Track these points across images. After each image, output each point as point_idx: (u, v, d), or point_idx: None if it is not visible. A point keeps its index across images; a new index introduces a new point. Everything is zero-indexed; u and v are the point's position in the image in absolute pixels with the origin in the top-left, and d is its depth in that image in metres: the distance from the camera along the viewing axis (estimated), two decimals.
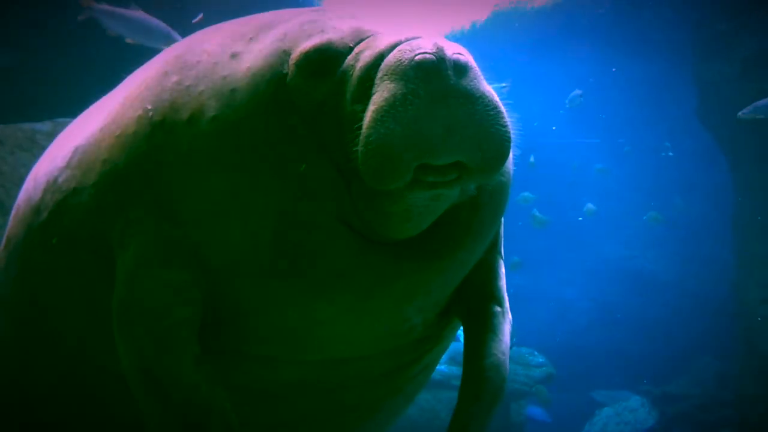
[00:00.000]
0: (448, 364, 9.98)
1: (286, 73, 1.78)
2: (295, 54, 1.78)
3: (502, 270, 2.32)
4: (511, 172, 2.15)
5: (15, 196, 2.46)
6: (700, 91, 12.80)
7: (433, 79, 1.60)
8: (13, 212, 2.36)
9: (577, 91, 13.92)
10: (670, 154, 16.66)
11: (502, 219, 2.32)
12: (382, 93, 1.62)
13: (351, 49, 1.76)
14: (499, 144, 1.69)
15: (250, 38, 1.90)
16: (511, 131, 1.77)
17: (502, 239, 2.37)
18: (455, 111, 1.61)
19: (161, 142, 1.86)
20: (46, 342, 2.23)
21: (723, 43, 12.10)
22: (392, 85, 1.61)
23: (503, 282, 2.31)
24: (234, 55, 1.87)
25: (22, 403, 2.39)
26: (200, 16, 8.73)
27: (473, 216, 1.98)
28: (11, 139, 7.12)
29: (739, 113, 9.85)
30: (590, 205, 14.53)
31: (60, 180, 2.10)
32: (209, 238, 1.84)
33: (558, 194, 16.02)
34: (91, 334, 2.10)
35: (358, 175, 1.69)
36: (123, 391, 1.94)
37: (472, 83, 1.65)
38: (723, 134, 12.34)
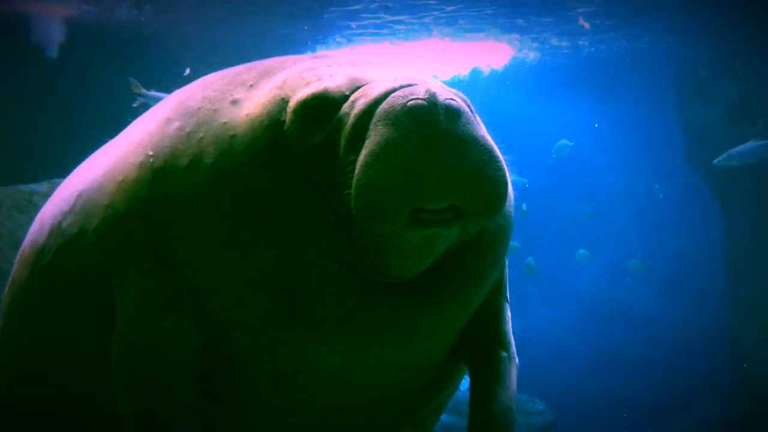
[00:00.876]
0: (448, 413, 9.94)
1: (284, 121, 1.81)
2: (293, 102, 1.81)
3: (508, 314, 2.30)
4: (512, 213, 2.15)
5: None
6: (686, 136, 13.07)
7: (424, 124, 1.61)
8: (18, 255, 2.40)
9: (565, 141, 14.19)
10: (660, 196, 16.85)
11: (506, 261, 2.30)
12: (374, 138, 1.64)
13: (347, 97, 1.78)
14: (493, 188, 1.68)
15: (251, 85, 1.94)
16: (507, 175, 1.77)
17: (507, 282, 2.35)
18: (447, 156, 1.61)
19: (161, 189, 1.89)
20: (45, 384, 2.25)
21: (706, 90, 12.42)
22: (384, 130, 1.63)
23: (509, 326, 2.29)
24: (234, 102, 1.90)
25: None
26: (188, 70, 9.03)
27: (474, 257, 1.97)
28: (8, 201, 7.23)
29: (715, 161, 10.06)
30: (582, 251, 14.66)
31: (64, 224, 2.13)
32: (207, 285, 1.86)
33: (549, 238, 16.15)
34: (87, 378, 2.12)
35: (353, 219, 1.71)
36: None
37: (464, 128, 1.65)
38: (712, 177, 12.55)
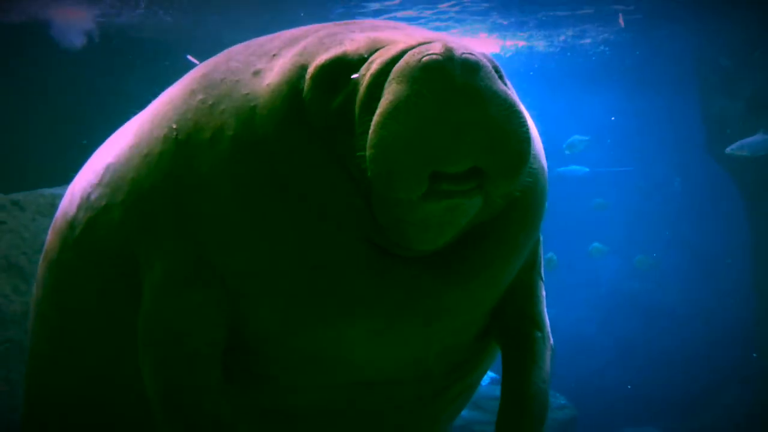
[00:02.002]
0: (468, 409, 9.97)
1: (303, 88, 1.77)
2: (311, 68, 1.77)
3: (543, 293, 2.23)
4: (545, 181, 2.07)
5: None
6: (707, 125, 12.93)
7: (438, 78, 1.53)
8: (52, 224, 2.41)
9: (578, 136, 14.11)
10: (677, 186, 16.68)
11: (540, 237, 2.23)
12: (387, 97, 1.58)
13: (365, 59, 1.72)
14: (517, 145, 1.59)
15: (273, 54, 1.90)
16: (531, 133, 1.67)
17: (542, 260, 2.28)
18: (464, 111, 1.53)
19: (184, 163, 1.87)
20: (74, 359, 2.27)
21: (726, 79, 12.27)
22: (397, 87, 1.57)
23: (543, 305, 2.21)
24: (256, 72, 1.87)
25: (57, 419, 2.42)
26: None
27: (502, 232, 1.91)
28: (32, 205, 7.35)
29: (727, 149, 10.27)
30: (597, 245, 14.60)
31: (93, 197, 2.14)
32: (229, 260, 1.85)
33: (569, 230, 16.09)
34: (115, 354, 2.13)
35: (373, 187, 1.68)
36: (146, 412, 1.95)
37: (482, 82, 1.56)
38: (733, 168, 12.42)
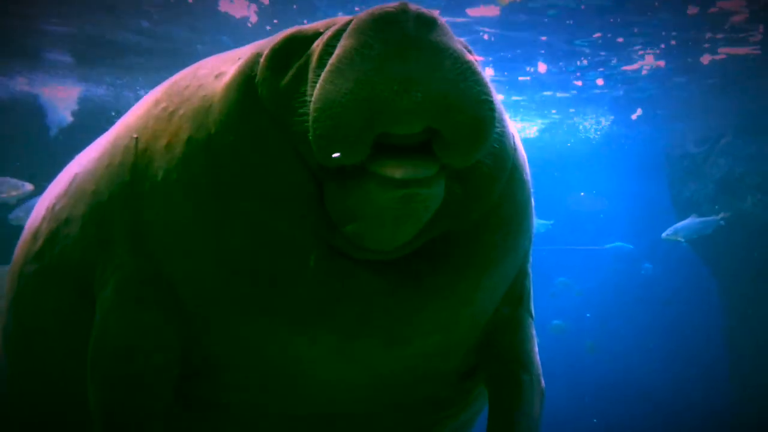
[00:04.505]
0: None
1: (255, 74, 1.66)
2: (265, 52, 1.67)
3: (532, 331, 2.03)
4: (526, 193, 1.90)
5: None
6: (677, 209, 13.39)
7: (389, 29, 1.39)
8: (21, 236, 2.35)
9: (541, 221, 14.56)
10: (648, 266, 16.99)
11: (529, 271, 2.05)
12: (336, 52, 1.45)
13: (320, 34, 1.61)
14: (474, 105, 1.41)
15: (239, 58, 1.80)
16: (494, 98, 1.48)
17: (531, 295, 2.08)
18: (414, 64, 1.38)
19: (141, 172, 1.79)
20: (33, 375, 2.20)
21: (695, 165, 12.82)
22: (346, 41, 1.43)
23: (533, 345, 2.02)
24: (218, 75, 1.78)
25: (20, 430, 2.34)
26: None
27: (476, 243, 1.75)
28: None
29: (663, 234, 10.84)
30: (557, 322, 14.77)
31: (57, 208, 2.08)
32: (180, 272, 1.74)
33: (539, 307, 16.22)
34: (73, 373, 2.01)
35: (327, 173, 1.53)
36: None
37: (437, 37, 1.42)
38: (705, 249, 12.79)
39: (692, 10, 7.59)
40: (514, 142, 1.85)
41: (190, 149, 1.71)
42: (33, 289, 2.12)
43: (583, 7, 7.43)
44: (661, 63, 9.88)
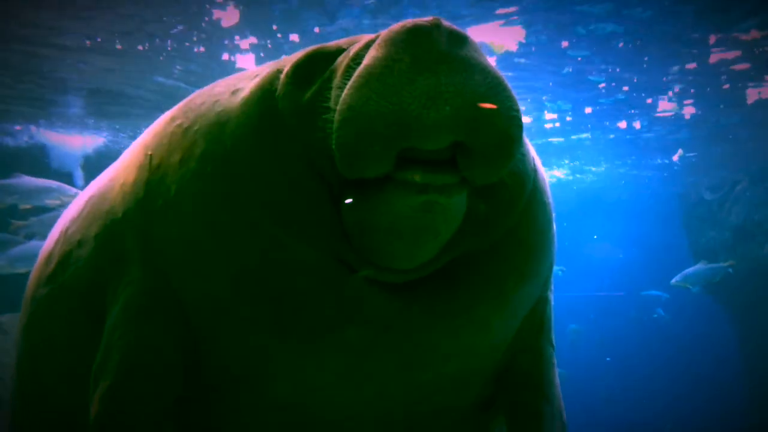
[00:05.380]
0: None
1: (275, 89, 1.64)
2: (287, 67, 1.64)
3: (553, 361, 1.96)
4: (548, 218, 1.84)
5: None
6: (695, 256, 13.28)
7: (421, 42, 1.37)
8: (36, 261, 2.33)
9: (573, 326, 14.75)
10: (661, 312, 16.80)
11: (550, 298, 1.99)
12: (363, 62, 1.41)
13: (344, 50, 1.58)
14: (504, 121, 1.38)
15: (256, 75, 1.78)
16: (521, 117, 1.44)
17: (552, 324, 2.00)
18: (444, 77, 1.34)
19: (155, 188, 1.76)
20: (42, 399, 2.15)
21: (711, 212, 12.77)
22: (376, 52, 1.40)
23: (554, 375, 1.94)
24: (235, 92, 1.76)
25: None
26: None
27: (496, 267, 1.70)
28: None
29: (672, 280, 10.85)
30: (574, 326, 14.66)
31: (70, 231, 2.06)
32: (191, 288, 1.70)
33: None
34: (75, 398, 1.94)
35: (346, 184, 1.48)
36: None
37: (468, 52, 1.39)
38: (721, 296, 12.65)
39: (712, 58, 7.62)
40: (534, 164, 1.82)
41: (205, 164, 1.68)
42: (44, 312, 2.08)
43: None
44: (691, 109, 9.90)
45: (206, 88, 1.92)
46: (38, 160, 11.62)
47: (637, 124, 10.90)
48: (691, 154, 12.22)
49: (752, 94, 9.13)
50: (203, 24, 6.58)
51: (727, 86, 8.74)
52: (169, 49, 7.30)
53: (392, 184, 1.39)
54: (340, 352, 1.63)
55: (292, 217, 1.58)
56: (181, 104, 1.93)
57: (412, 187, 1.37)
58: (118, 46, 7.21)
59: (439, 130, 1.33)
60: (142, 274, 1.76)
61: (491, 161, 1.39)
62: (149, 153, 1.84)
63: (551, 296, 2.02)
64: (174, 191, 1.71)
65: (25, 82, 8.79)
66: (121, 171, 1.95)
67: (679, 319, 17.02)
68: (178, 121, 1.82)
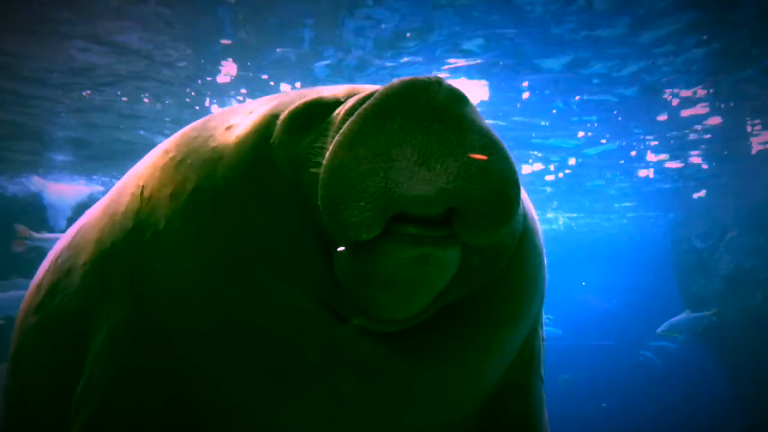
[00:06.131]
0: None
1: (271, 135, 1.62)
2: (284, 114, 1.63)
3: (542, 395, 1.94)
4: (539, 260, 1.81)
5: None
6: (686, 304, 13.27)
7: (417, 98, 1.32)
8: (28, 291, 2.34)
9: (565, 376, 14.76)
10: (646, 353, 16.71)
11: (541, 332, 1.96)
12: (355, 115, 1.36)
13: (341, 102, 1.56)
14: (500, 184, 1.34)
15: (251, 111, 1.77)
16: (517, 178, 1.39)
17: (541, 358, 1.97)
18: (438, 136, 1.30)
19: (144, 220, 1.75)
20: (28, 429, 2.11)
21: (701, 261, 12.80)
22: (369, 106, 1.35)
23: (543, 410, 1.92)
24: (229, 127, 1.74)
25: None
26: None
27: (485, 312, 1.66)
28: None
29: (658, 330, 10.90)
30: (566, 376, 14.58)
31: (60, 260, 2.06)
32: (176, 323, 1.67)
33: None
34: (61, 424, 1.88)
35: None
36: None
37: (466, 111, 1.35)
38: (713, 345, 12.59)
39: (663, 117, 7.76)
40: (524, 207, 1.78)
41: (195, 199, 1.66)
42: (32, 341, 2.07)
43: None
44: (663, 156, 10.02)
45: (201, 121, 1.91)
46: (34, 210, 11.58)
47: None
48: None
49: (755, 145, 9.28)
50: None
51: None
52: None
53: (387, 237, 1.35)
54: (324, 396, 1.60)
55: (281, 264, 1.56)
56: (175, 136, 1.92)
57: (407, 239, 1.33)
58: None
59: (430, 203, 1.30)
60: (126, 305, 1.74)
61: (487, 226, 1.35)
62: (141, 184, 1.83)
63: (541, 329, 1.99)
64: (163, 226, 1.70)
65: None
66: (112, 201, 1.95)
67: (671, 367, 16.91)
68: (171, 154, 1.81)
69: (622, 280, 18.02)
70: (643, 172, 10.82)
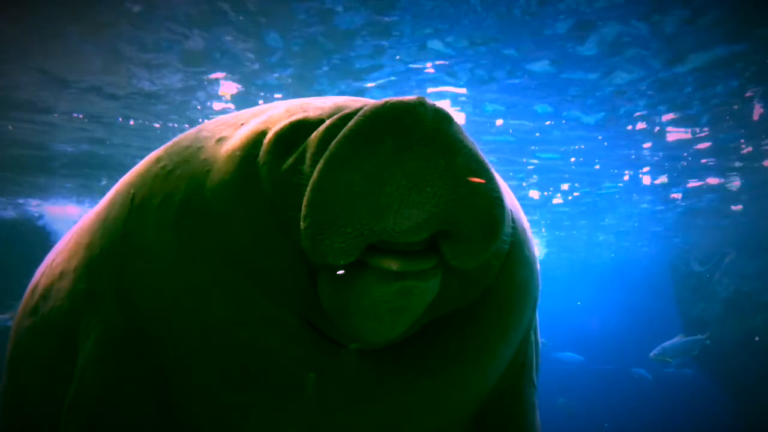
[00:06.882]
0: None
1: (257, 154, 1.63)
2: (270, 134, 1.62)
3: (534, 401, 1.92)
4: (530, 272, 1.81)
5: None
6: (686, 328, 13.26)
7: (404, 119, 1.30)
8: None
9: (563, 399, 14.76)
10: (639, 371, 16.58)
11: (533, 337, 1.94)
12: (339, 136, 1.35)
13: (324, 121, 1.56)
14: (487, 204, 1.35)
15: (242, 123, 1.79)
16: (504, 199, 1.41)
17: (534, 364, 1.95)
18: (430, 162, 1.30)
19: (133, 228, 1.78)
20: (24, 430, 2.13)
21: (700, 284, 12.82)
22: (354, 126, 1.34)
23: (535, 416, 1.90)
24: (220, 140, 1.76)
25: None
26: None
27: (475, 325, 1.66)
28: None
29: (651, 354, 10.84)
30: (563, 400, 14.55)
31: (54, 263, 2.09)
32: (162, 332, 1.69)
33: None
34: (55, 429, 1.89)
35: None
36: None
37: (453, 132, 1.34)
38: (713, 368, 12.55)
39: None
40: (512, 219, 1.77)
41: (183, 214, 1.68)
42: (26, 344, 2.09)
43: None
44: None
45: (192, 131, 1.93)
46: (34, 233, 11.58)
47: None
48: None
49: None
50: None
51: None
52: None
53: (368, 271, 1.35)
54: (314, 412, 1.61)
55: (265, 281, 1.57)
56: (167, 145, 1.95)
57: (390, 275, 1.34)
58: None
59: (420, 227, 1.31)
60: (115, 313, 1.76)
61: (476, 247, 1.36)
62: (132, 192, 1.86)
63: (535, 335, 1.99)
64: (151, 235, 1.72)
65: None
66: (105, 207, 1.97)
67: (672, 389, 16.83)
68: (163, 163, 1.84)
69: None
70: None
